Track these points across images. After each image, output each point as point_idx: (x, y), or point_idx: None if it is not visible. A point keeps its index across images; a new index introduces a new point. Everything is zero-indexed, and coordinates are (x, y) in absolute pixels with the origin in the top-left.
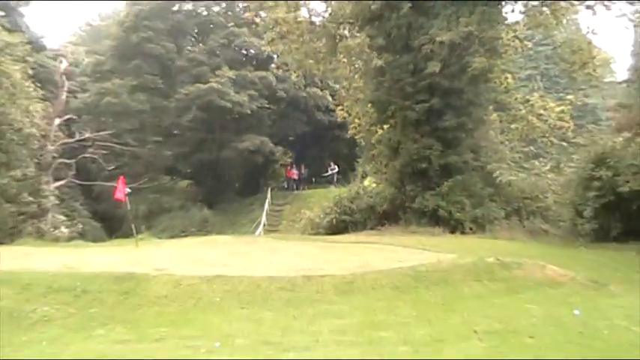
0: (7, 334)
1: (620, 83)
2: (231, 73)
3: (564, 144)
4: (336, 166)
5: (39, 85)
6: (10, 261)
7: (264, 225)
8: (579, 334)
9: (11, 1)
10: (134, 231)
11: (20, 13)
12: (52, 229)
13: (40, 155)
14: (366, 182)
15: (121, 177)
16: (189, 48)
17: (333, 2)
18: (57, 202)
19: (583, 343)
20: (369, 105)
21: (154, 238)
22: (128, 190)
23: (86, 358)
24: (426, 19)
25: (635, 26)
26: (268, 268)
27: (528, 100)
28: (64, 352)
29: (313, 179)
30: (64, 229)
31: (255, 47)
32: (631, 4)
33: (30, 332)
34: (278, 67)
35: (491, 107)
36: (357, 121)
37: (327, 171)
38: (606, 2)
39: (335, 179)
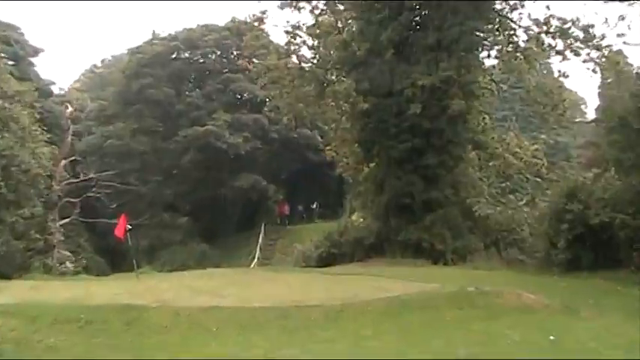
0: None
1: (589, 122)
2: (226, 116)
3: (538, 180)
4: (316, 203)
5: (46, 128)
6: (19, 294)
7: (258, 258)
8: (554, 358)
9: (21, 52)
10: (135, 265)
11: (31, 62)
12: (58, 264)
13: (47, 194)
14: (353, 217)
15: (123, 215)
16: (187, 93)
17: (321, 49)
18: (62, 238)
19: None
20: (356, 145)
21: (155, 271)
22: (129, 226)
23: None
24: (408, 64)
25: (601, 69)
26: (262, 299)
27: (504, 139)
28: None
29: (303, 215)
30: (69, 264)
31: (249, 91)
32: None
33: None
34: (270, 110)
35: (469, 146)
36: (344, 159)
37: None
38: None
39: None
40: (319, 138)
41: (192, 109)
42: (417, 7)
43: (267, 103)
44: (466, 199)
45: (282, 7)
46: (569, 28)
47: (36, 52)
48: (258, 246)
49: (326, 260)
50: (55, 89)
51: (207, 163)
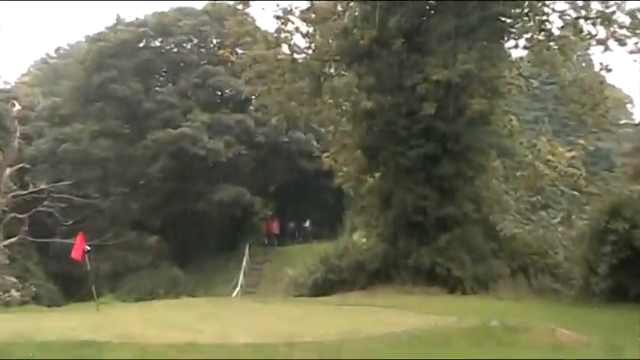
0: None
1: (636, 125)
2: (204, 117)
3: (576, 193)
4: (310, 220)
5: None
6: None
7: (241, 285)
8: None
9: None
10: (95, 294)
11: None
12: (1, 293)
13: None
14: (355, 236)
15: (81, 233)
16: (157, 89)
17: (317, 38)
18: (7, 261)
19: None
20: (358, 151)
21: (118, 301)
22: (87, 247)
23: None
24: (420, 56)
25: None
26: (246, 334)
27: (535, 145)
28: None
29: (296, 234)
30: (14, 293)
31: (231, 87)
32: None
33: None
34: (257, 110)
35: (493, 153)
36: (344, 169)
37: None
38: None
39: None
40: (314, 143)
41: (163, 107)
42: None
43: (253, 102)
44: (489, 216)
45: None
46: (613, 12)
47: None
48: (242, 271)
49: (322, 288)
50: (1, 83)
51: (181, 172)
